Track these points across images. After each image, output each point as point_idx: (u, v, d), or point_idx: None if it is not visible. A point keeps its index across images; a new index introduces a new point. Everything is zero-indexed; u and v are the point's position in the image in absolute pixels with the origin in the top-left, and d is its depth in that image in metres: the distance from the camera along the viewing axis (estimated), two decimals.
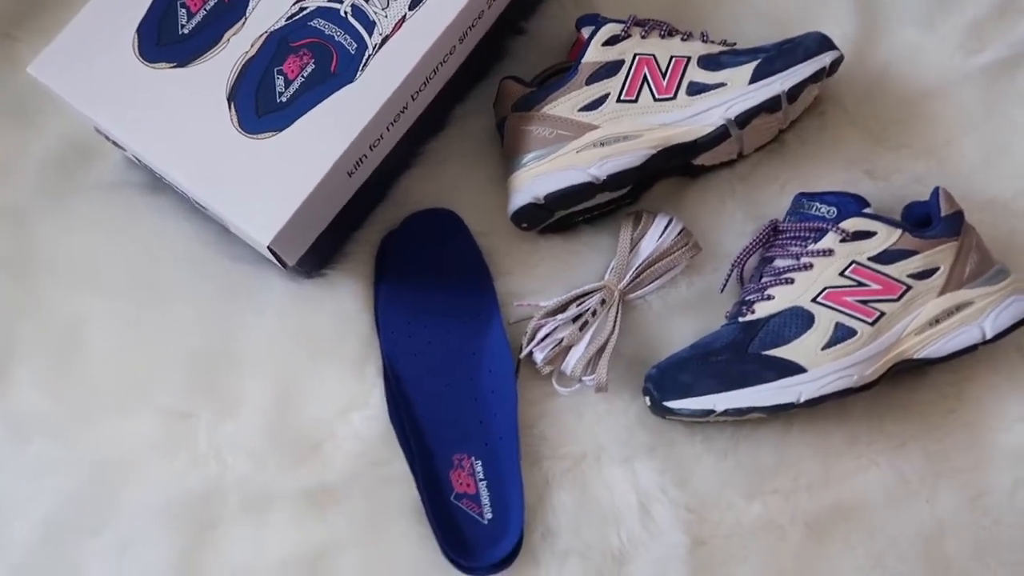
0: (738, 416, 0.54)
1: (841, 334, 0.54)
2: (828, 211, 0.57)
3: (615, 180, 0.59)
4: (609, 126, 0.60)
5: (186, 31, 0.56)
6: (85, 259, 0.64)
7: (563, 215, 0.63)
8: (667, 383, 0.56)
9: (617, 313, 0.61)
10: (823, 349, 0.54)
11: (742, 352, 0.55)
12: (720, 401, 0.53)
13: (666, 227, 0.62)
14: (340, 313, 0.63)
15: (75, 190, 0.66)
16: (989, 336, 0.55)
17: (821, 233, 0.57)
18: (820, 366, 0.53)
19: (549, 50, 0.68)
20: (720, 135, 0.59)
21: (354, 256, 0.64)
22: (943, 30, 0.68)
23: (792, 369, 0.54)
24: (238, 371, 0.62)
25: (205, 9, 0.56)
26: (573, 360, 0.61)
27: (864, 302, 0.55)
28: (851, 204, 0.57)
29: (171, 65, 0.55)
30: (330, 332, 0.62)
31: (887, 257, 0.56)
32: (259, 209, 0.53)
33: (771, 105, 0.58)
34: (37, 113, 0.67)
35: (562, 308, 0.62)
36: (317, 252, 0.60)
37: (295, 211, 0.52)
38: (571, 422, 0.61)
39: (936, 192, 0.58)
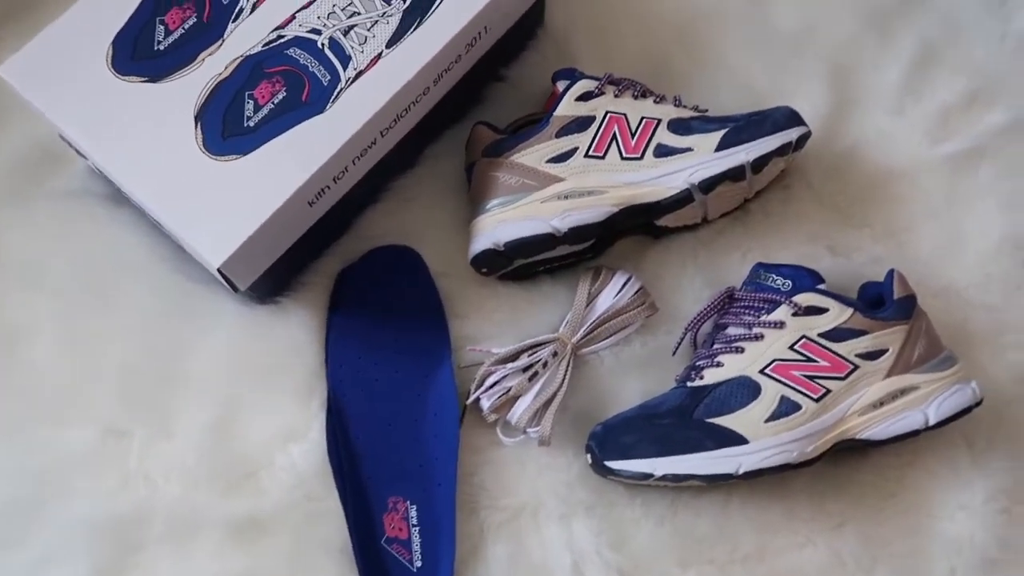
0: (676, 482, 0.53)
1: (786, 408, 0.54)
2: (783, 283, 0.58)
3: (576, 234, 0.59)
4: (575, 180, 0.60)
5: (162, 47, 0.56)
6: (36, 264, 0.63)
7: (523, 264, 0.63)
8: (609, 442, 0.55)
9: (568, 366, 0.61)
10: (766, 422, 0.54)
11: (686, 418, 0.54)
12: (659, 465, 0.53)
13: (624, 284, 0.63)
14: (290, 342, 0.62)
15: (36, 195, 0.65)
16: (932, 422, 0.55)
17: (774, 305, 0.57)
18: (762, 439, 0.53)
19: (527, 98, 0.69)
20: (683, 199, 0.59)
21: (311, 286, 0.64)
22: (912, 116, 0.70)
23: (734, 439, 0.53)
24: (180, 391, 0.61)
25: (184, 28, 0.56)
26: (519, 410, 0.60)
27: (811, 378, 0.55)
28: (806, 279, 0.57)
29: (143, 79, 0.55)
30: (277, 360, 0.62)
31: (837, 335, 0.56)
32: (213, 231, 0.52)
33: (735, 174, 0.59)
34: (6, 113, 0.67)
35: (514, 357, 0.62)
36: (272, 278, 0.60)
37: (248, 237, 0.52)
38: (513, 474, 0.60)
39: (890, 274, 0.59)
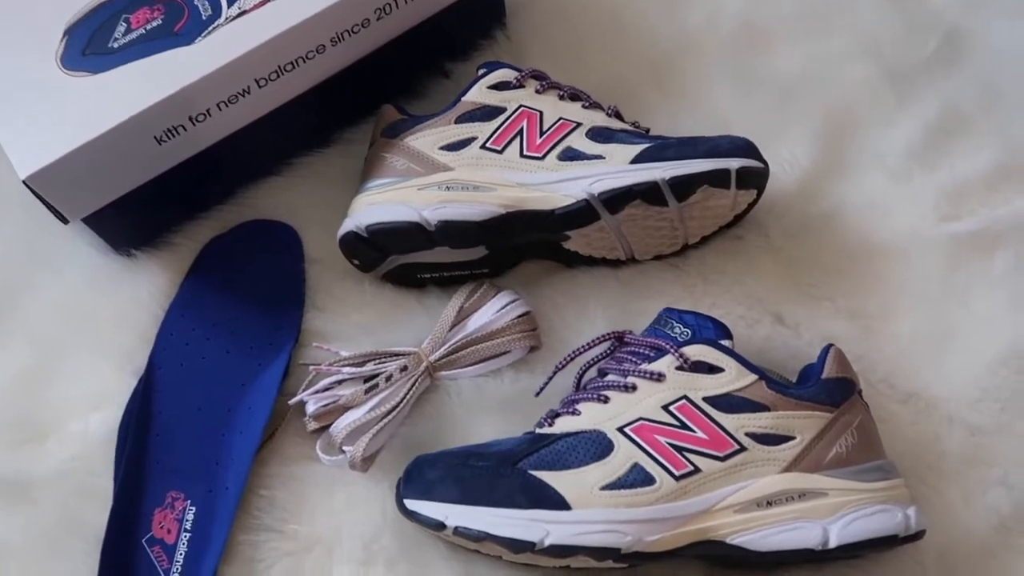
0: (472, 540, 0.41)
1: (634, 478, 0.42)
2: (682, 332, 0.46)
3: (450, 231, 0.50)
4: (463, 171, 0.52)
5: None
6: None
7: (405, 264, 0.54)
8: (415, 476, 0.44)
9: (413, 386, 0.51)
10: (602, 489, 0.41)
11: (508, 464, 0.43)
12: (453, 514, 0.41)
13: (506, 306, 0.53)
14: (131, 301, 0.55)
15: None
16: (832, 544, 0.40)
17: (660, 353, 0.45)
18: (589, 508, 0.41)
19: None
20: (581, 212, 0.49)
21: (176, 247, 0.57)
22: (919, 185, 0.57)
23: (553, 501, 0.41)
24: (2, 329, 0.56)
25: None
26: (341, 424, 0.50)
27: (679, 449, 0.42)
28: (708, 330, 0.45)
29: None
30: (113, 317, 0.55)
31: (728, 403, 0.43)
32: (32, 143, 0.47)
33: (649, 194, 0.49)
34: None
35: (360, 364, 0.53)
36: (127, 225, 0.54)
37: (66, 154, 0.47)
38: (317, 498, 0.50)
39: (826, 350, 0.46)
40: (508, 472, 0.42)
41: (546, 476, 0.42)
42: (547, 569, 0.46)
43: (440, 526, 0.42)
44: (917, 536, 0.42)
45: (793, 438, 0.43)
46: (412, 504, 0.43)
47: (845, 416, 0.44)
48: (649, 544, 0.40)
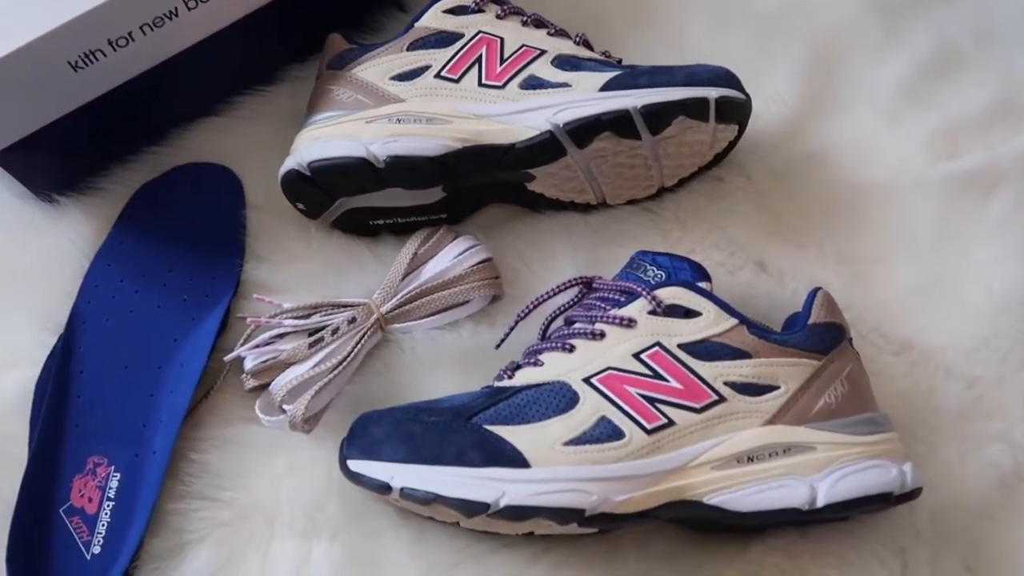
0: (421, 503, 0.37)
1: (600, 432, 0.38)
2: (655, 275, 0.42)
3: (401, 169, 0.46)
4: (416, 103, 0.47)
5: None
6: None
7: (355, 210, 0.49)
8: (359, 434, 0.40)
9: (363, 340, 0.46)
10: (565, 444, 0.37)
11: (462, 419, 0.39)
12: (400, 475, 0.37)
13: (465, 251, 0.48)
14: (53, 250, 0.50)
15: None
16: (820, 503, 0.36)
17: (631, 298, 0.41)
18: (550, 465, 0.36)
19: None
20: (545, 146, 0.45)
21: (104, 193, 0.52)
22: (911, 125, 0.53)
23: (510, 459, 0.37)
24: None
25: None
26: (283, 381, 0.46)
27: (651, 400, 0.38)
28: (684, 271, 0.41)
29: None
30: (30, 268, 0.50)
31: (705, 350, 0.39)
32: None
33: (619, 124, 0.44)
34: None
35: (304, 316, 0.48)
36: (46, 165, 0.49)
37: None
38: (255, 463, 0.45)
39: (813, 294, 0.42)
40: (461, 428, 0.38)
41: (503, 431, 0.37)
42: (509, 537, 0.43)
43: (385, 488, 0.37)
44: (913, 494, 0.38)
45: (777, 388, 0.39)
46: (356, 465, 0.39)
47: (834, 364, 0.40)
48: (617, 505, 0.36)
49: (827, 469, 0.37)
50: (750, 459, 0.37)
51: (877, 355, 0.47)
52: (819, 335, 0.40)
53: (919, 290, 0.49)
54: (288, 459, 0.45)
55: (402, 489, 0.37)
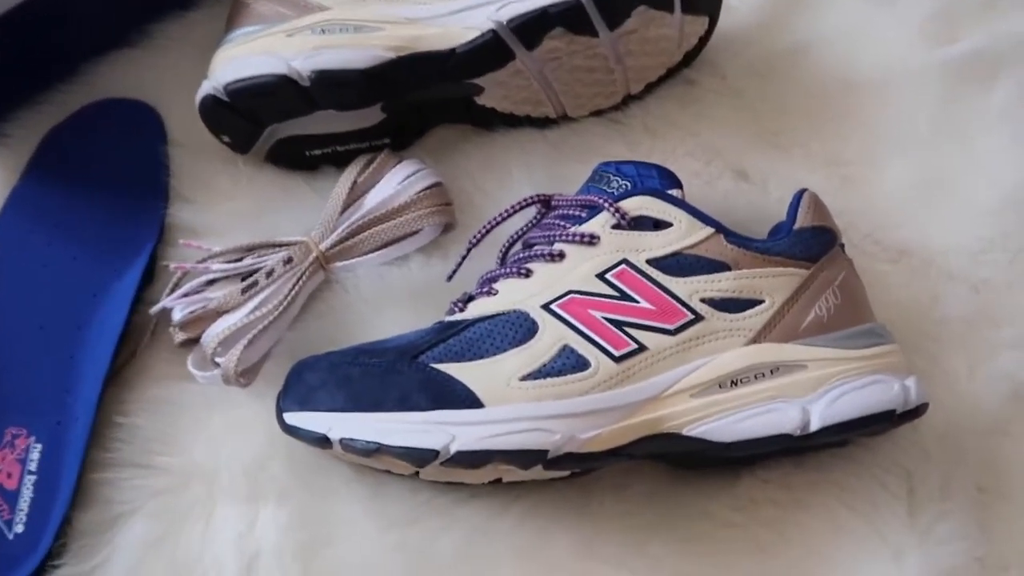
0: (363, 455, 0.33)
1: (563, 364, 0.33)
2: (620, 186, 0.38)
3: (329, 86, 0.40)
4: (341, 10, 0.41)
5: None
6: None
7: (288, 139, 0.44)
8: (294, 383, 0.36)
9: (301, 281, 0.42)
10: (523, 379, 0.33)
11: (406, 359, 0.34)
12: (338, 425, 0.33)
13: (410, 176, 0.44)
14: None
15: None
16: (814, 427, 0.32)
17: (593, 212, 0.37)
18: (507, 403, 0.32)
19: None
20: (489, 48, 0.40)
21: (10, 140, 0.47)
22: (903, 8, 0.48)
23: (460, 399, 0.32)
24: None
25: None
26: (214, 332, 0.41)
27: (619, 324, 0.34)
28: (651, 179, 0.36)
29: None
30: None
31: (677, 265, 0.34)
32: None
33: (570, 17, 0.39)
34: None
35: (235, 259, 0.44)
36: None
37: None
38: (190, 424, 0.40)
39: (799, 196, 0.37)
40: (405, 369, 0.33)
41: (453, 369, 0.33)
42: (475, 487, 0.39)
43: (324, 441, 0.33)
44: (918, 411, 0.34)
45: (761, 302, 0.34)
46: (291, 417, 0.34)
47: (825, 272, 0.35)
48: (585, 443, 0.32)
49: (821, 389, 0.33)
50: (733, 383, 0.33)
51: (872, 264, 0.42)
52: (807, 240, 0.35)
53: (917, 190, 0.44)
54: (226, 417, 0.40)
55: (342, 440, 0.33)
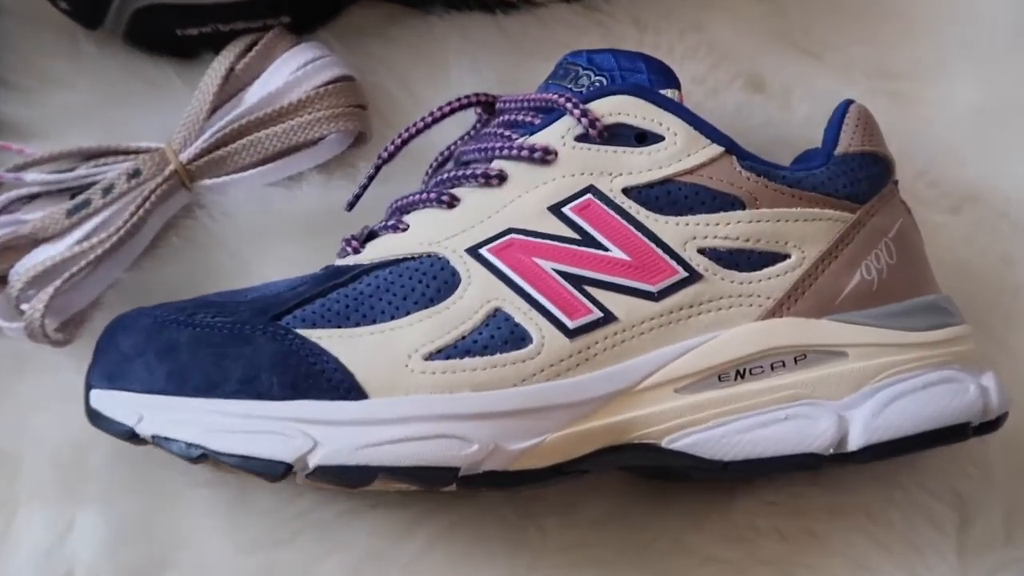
0: (186, 459, 0.23)
1: (491, 337, 0.22)
2: (593, 82, 0.27)
3: None
4: None
5: None
6: None
7: (150, 9, 0.33)
8: (105, 349, 0.25)
9: (149, 203, 0.31)
10: (429, 358, 0.23)
11: (263, 320, 0.23)
12: (152, 414, 0.22)
13: (308, 63, 0.33)
14: None
15: None
16: (853, 446, 0.22)
17: (550, 117, 0.26)
18: (402, 394, 0.21)
19: None
20: None
21: None
22: None
23: (331, 384, 0.22)
24: None
25: None
26: (24, 267, 0.31)
27: (577, 281, 0.24)
28: (637, 73, 0.25)
29: None
30: None
31: (668, 198, 0.23)
32: None
33: None
34: None
35: (64, 168, 0.33)
36: None
37: None
38: None
39: (844, 108, 0.27)
40: (259, 335, 0.23)
41: (326, 339, 0.22)
42: (376, 495, 0.28)
43: (132, 436, 0.23)
44: (997, 423, 0.24)
45: (787, 256, 0.24)
46: (98, 397, 0.24)
47: (875, 218, 0.25)
48: (518, 457, 0.21)
49: (866, 388, 0.22)
50: (739, 375, 0.23)
51: (926, 214, 0.32)
52: (853, 172, 0.25)
53: (986, 117, 0.34)
54: (36, 385, 0.30)
55: (154, 437, 0.22)
